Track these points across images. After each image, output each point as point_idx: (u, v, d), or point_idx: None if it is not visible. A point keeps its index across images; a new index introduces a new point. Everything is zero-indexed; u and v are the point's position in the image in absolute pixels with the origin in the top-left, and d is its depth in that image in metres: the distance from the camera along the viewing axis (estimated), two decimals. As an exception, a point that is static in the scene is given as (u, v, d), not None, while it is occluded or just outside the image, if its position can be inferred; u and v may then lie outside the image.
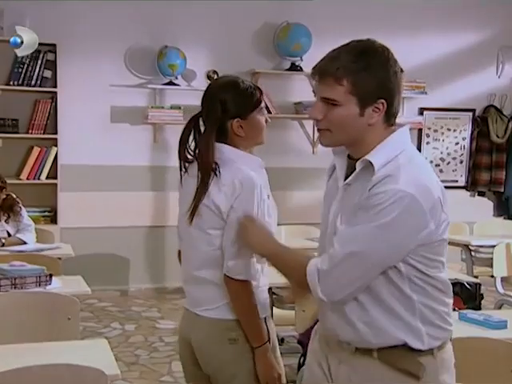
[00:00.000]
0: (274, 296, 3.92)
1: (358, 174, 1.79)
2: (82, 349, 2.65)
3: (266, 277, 2.32)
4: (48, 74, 6.11)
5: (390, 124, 1.80)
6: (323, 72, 1.75)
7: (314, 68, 1.80)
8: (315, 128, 6.06)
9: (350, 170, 1.83)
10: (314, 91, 1.83)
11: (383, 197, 1.67)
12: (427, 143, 7.35)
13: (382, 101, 1.74)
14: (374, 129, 1.78)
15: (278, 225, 2.39)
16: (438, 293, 1.80)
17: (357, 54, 1.73)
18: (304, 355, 3.60)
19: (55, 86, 6.10)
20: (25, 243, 4.78)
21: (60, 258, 4.43)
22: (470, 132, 7.46)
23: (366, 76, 1.71)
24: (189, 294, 2.37)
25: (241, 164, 2.23)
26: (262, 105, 2.30)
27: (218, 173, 2.19)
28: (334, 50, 1.78)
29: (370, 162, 1.74)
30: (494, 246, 5.05)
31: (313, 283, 1.75)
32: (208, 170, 2.20)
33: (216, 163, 2.20)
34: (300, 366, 3.88)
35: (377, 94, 1.73)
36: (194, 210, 2.22)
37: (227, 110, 2.24)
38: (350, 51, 1.74)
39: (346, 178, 1.85)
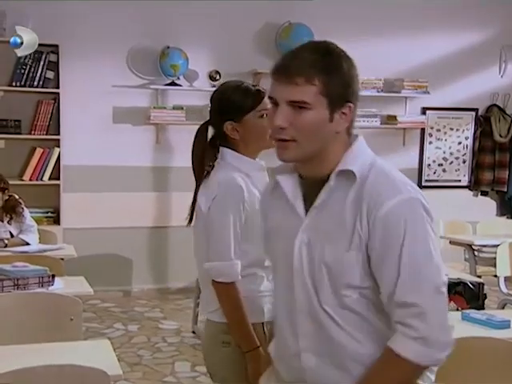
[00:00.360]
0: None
1: (332, 189, 1.59)
2: (84, 349, 2.66)
3: (272, 283, 2.31)
4: (50, 74, 6.11)
5: (350, 133, 1.66)
6: (292, 71, 1.56)
7: (276, 68, 1.60)
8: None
9: (312, 190, 1.62)
10: (271, 97, 1.62)
11: (399, 211, 1.52)
12: (430, 143, 7.34)
13: (350, 104, 1.60)
14: (340, 138, 1.62)
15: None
16: None
17: (323, 53, 1.59)
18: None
19: (57, 87, 6.10)
20: (27, 244, 4.79)
21: (63, 259, 4.42)
22: (472, 131, 7.45)
23: (335, 75, 1.57)
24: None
25: (238, 167, 2.23)
26: (262, 107, 2.24)
27: (208, 175, 2.22)
28: (295, 49, 1.62)
29: (352, 172, 1.57)
30: (497, 246, 5.04)
31: (423, 355, 1.49)
32: (198, 172, 2.24)
33: (213, 166, 2.23)
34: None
35: (345, 96, 1.59)
36: (191, 212, 2.26)
37: (221, 113, 2.25)
38: (314, 50, 1.59)
39: (305, 199, 1.64)
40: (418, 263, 1.51)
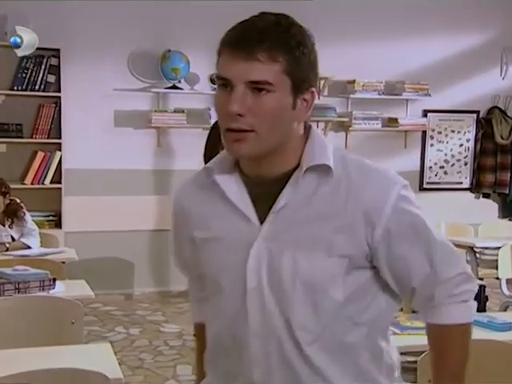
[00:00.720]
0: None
1: (298, 188, 1.36)
2: (85, 353, 2.66)
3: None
4: (52, 78, 6.12)
5: (307, 125, 1.43)
6: (253, 45, 1.29)
7: (232, 42, 1.31)
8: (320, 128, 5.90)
9: (264, 191, 1.38)
10: (220, 77, 1.33)
11: (403, 202, 1.38)
12: (431, 145, 7.34)
13: (313, 89, 1.36)
14: (299, 129, 1.39)
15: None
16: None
17: (286, 26, 1.33)
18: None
19: (59, 91, 6.11)
20: (29, 248, 4.79)
21: (64, 262, 4.43)
22: (474, 133, 7.45)
23: (300, 52, 1.33)
24: None
25: None
26: None
27: None
28: (251, 20, 1.34)
29: (328, 166, 1.36)
30: (499, 248, 5.04)
31: (474, 309, 1.46)
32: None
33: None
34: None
35: (309, 79, 1.36)
36: None
37: None
38: (274, 23, 1.32)
39: (254, 203, 1.39)
40: (442, 237, 1.44)
